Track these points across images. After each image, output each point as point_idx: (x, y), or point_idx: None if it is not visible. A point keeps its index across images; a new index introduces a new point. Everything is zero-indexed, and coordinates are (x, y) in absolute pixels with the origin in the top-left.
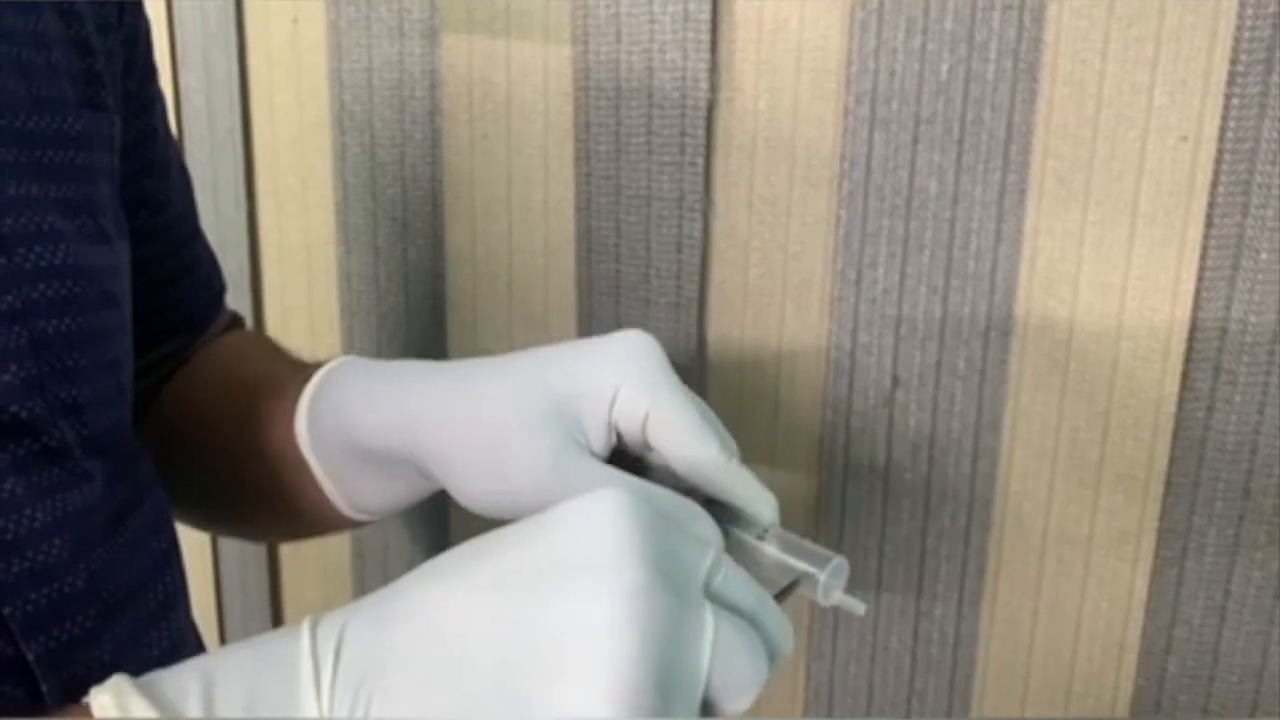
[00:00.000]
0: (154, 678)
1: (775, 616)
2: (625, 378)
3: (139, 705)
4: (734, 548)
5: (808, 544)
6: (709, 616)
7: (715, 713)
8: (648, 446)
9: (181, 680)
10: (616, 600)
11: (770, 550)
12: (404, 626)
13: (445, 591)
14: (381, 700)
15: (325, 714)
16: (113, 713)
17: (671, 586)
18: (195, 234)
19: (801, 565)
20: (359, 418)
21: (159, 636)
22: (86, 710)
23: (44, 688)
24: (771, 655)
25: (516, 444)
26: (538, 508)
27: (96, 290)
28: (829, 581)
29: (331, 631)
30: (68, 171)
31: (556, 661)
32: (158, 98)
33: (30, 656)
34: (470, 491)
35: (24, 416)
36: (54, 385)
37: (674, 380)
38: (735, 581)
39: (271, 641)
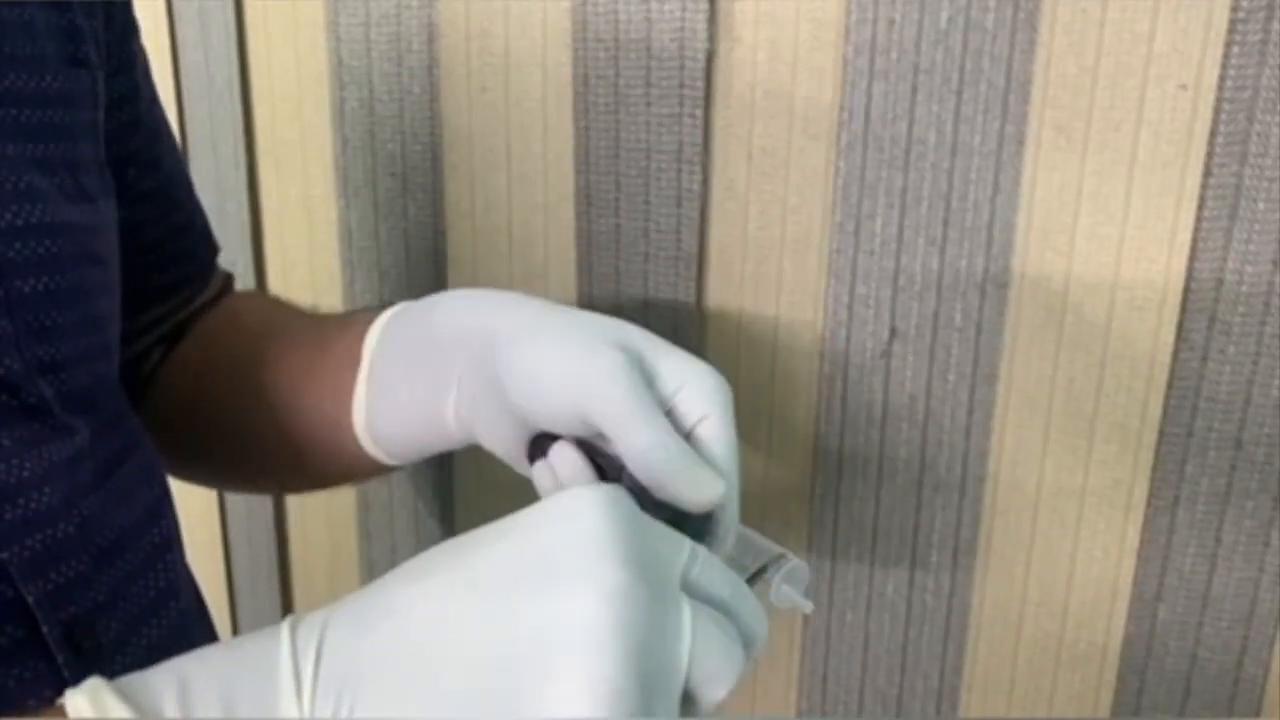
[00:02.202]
0: (131, 679)
1: (751, 605)
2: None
3: (115, 706)
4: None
5: (765, 542)
6: (687, 611)
7: (694, 703)
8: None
9: (159, 682)
10: (597, 602)
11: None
12: (384, 627)
13: (424, 591)
14: (363, 703)
15: (306, 716)
16: (88, 714)
17: (651, 585)
18: (189, 193)
19: (761, 560)
20: (441, 310)
21: (155, 579)
22: (62, 711)
23: (44, 628)
24: (747, 644)
25: (584, 345)
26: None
27: (76, 248)
28: (782, 580)
29: (312, 633)
30: (46, 130)
31: (537, 663)
32: (139, 55)
33: (30, 599)
34: (519, 381)
35: (0, 374)
36: (30, 343)
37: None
38: (712, 572)
39: (251, 643)
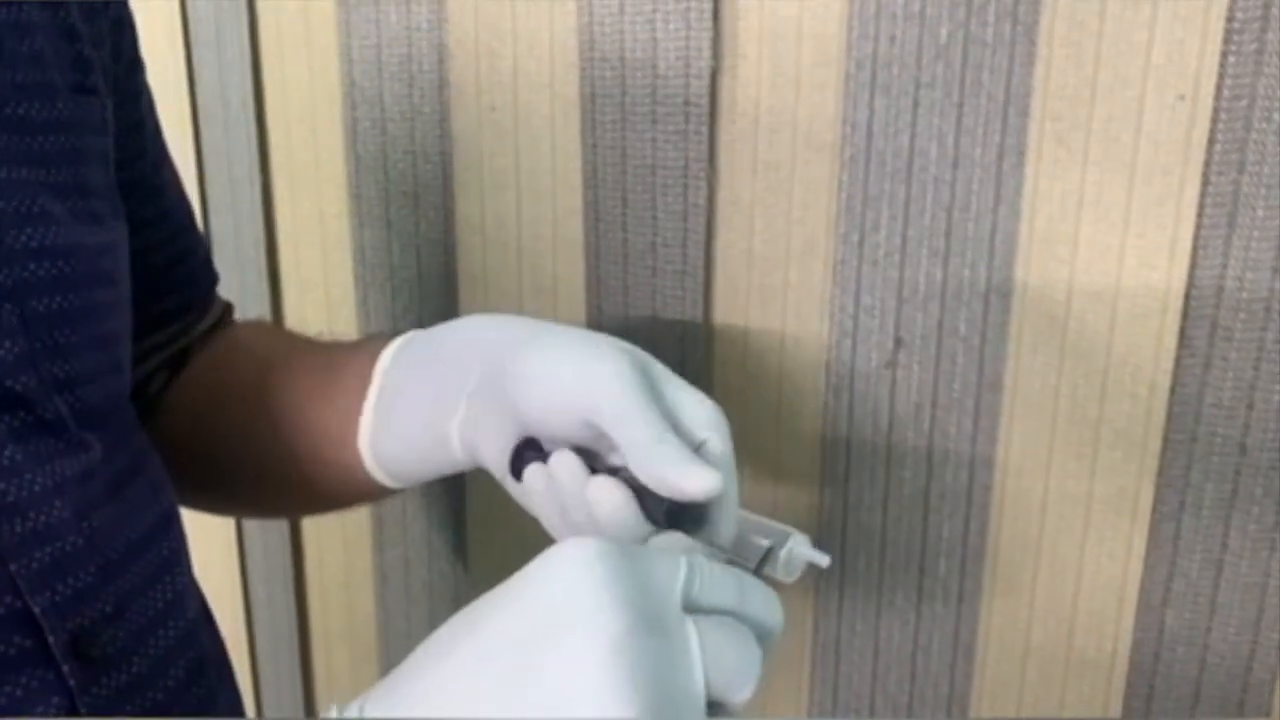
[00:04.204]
0: None
1: (759, 599)
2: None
3: None
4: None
5: (765, 523)
6: (692, 632)
7: (723, 708)
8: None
9: None
10: (598, 657)
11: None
12: (413, 712)
13: (443, 677)
14: None
15: None
16: None
17: (650, 622)
18: (190, 221)
19: (765, 544)
20: (451, 332)
21: (162, 591)
22: None
23: (50, 638)
24: (763, 636)
25: (590, 351)
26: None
27: (89, 269)
28: (789, 555)
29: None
30: (57, 156)
31: None
32: (144, 89)
33: (36, 610)
34: (525, 385)
35: (19, 390)
36: (46, 361)
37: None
38: (714, 583)
39: None
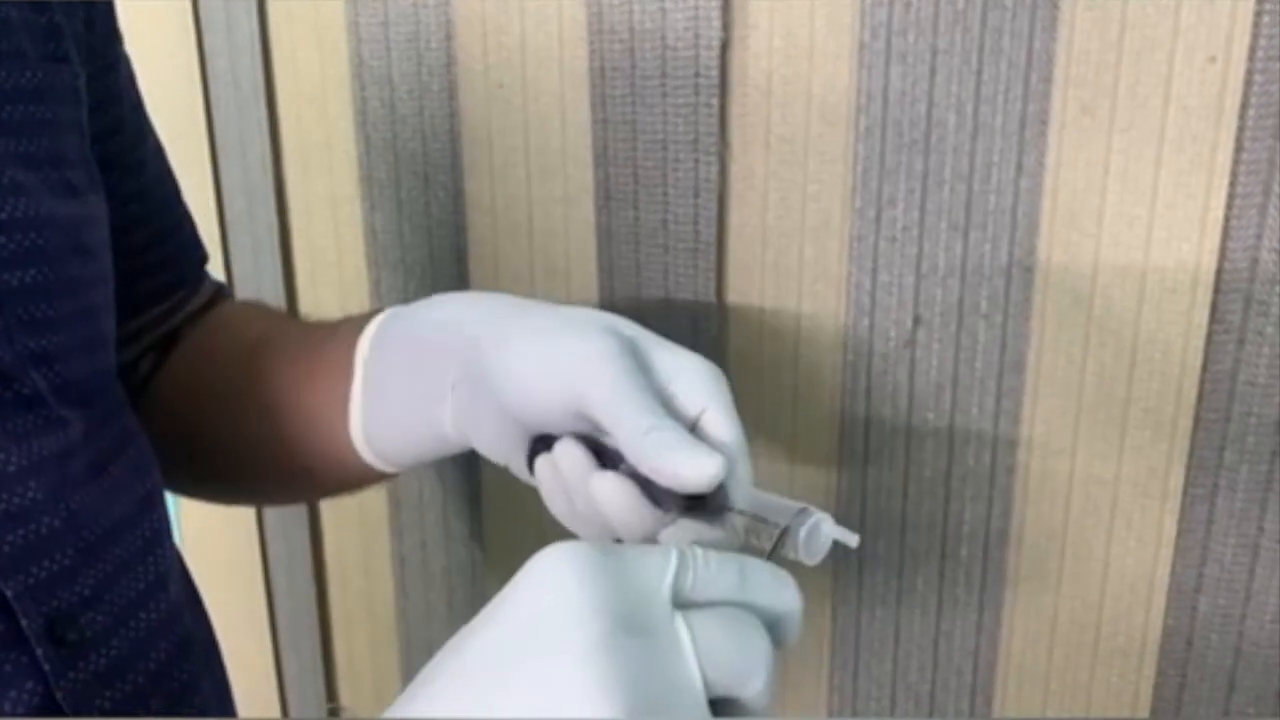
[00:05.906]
0: None
1: (765, 586)
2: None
3: None
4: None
5: (782, 502)
6: (681, 629)
7: (739, 704)
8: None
9: None
10: (574, 667)
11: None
12: None
13: (427, 700)
14: None
15: None
16: None
17: (630, 624)
18: (174, 198)
19: (780, 525)
20: (428, 316)
21: (144, 572)
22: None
23: (24, 622)
24: (773, 623)
25: (573, 336)
26: (567, 406)
27: (64, 242)
28: (808, 535)
29: None
30: (28, 125)
31: None
32: (123, 60)
33: (9, 593)
34: (511, 381)
35: None
36: (22, 335)
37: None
38: (710, 573)
39: None
